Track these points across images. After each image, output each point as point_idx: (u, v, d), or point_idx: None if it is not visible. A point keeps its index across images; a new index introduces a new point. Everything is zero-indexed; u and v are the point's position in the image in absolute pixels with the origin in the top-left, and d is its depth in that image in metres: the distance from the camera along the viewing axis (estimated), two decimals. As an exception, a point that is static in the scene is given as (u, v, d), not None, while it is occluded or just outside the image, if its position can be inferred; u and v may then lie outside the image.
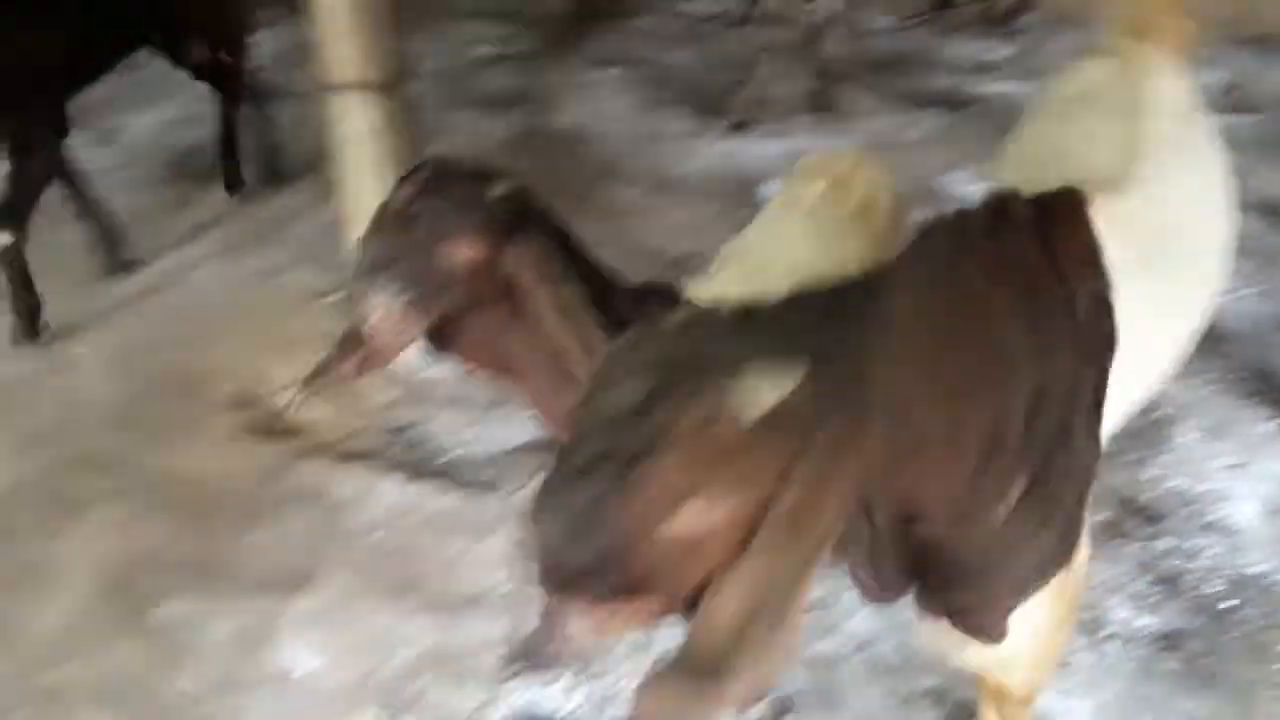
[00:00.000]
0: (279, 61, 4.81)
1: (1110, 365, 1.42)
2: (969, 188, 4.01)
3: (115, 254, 3.47)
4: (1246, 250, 3.57)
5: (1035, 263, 1.40)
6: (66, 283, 3.33)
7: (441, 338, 1.69)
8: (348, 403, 2.94)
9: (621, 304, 1.70)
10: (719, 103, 4.70)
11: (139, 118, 4.39)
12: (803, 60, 4.85)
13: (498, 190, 1.63)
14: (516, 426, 2.76)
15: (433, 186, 1.62)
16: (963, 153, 4.27)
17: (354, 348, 1.64)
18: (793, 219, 1.59)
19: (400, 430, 2.95)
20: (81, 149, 4.03)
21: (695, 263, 3.35)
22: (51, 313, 3.19)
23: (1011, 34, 5.53)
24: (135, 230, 3.59)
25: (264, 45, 5.03)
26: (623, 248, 3.51)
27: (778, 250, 1.50)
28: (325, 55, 2.51)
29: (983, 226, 1.43)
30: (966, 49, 5.35)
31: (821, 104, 4.64)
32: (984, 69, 5.13)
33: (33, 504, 2.65)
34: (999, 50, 5.33)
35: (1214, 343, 2.87)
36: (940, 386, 1.24)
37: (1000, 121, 4.39)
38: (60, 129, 3.30)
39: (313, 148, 3.46)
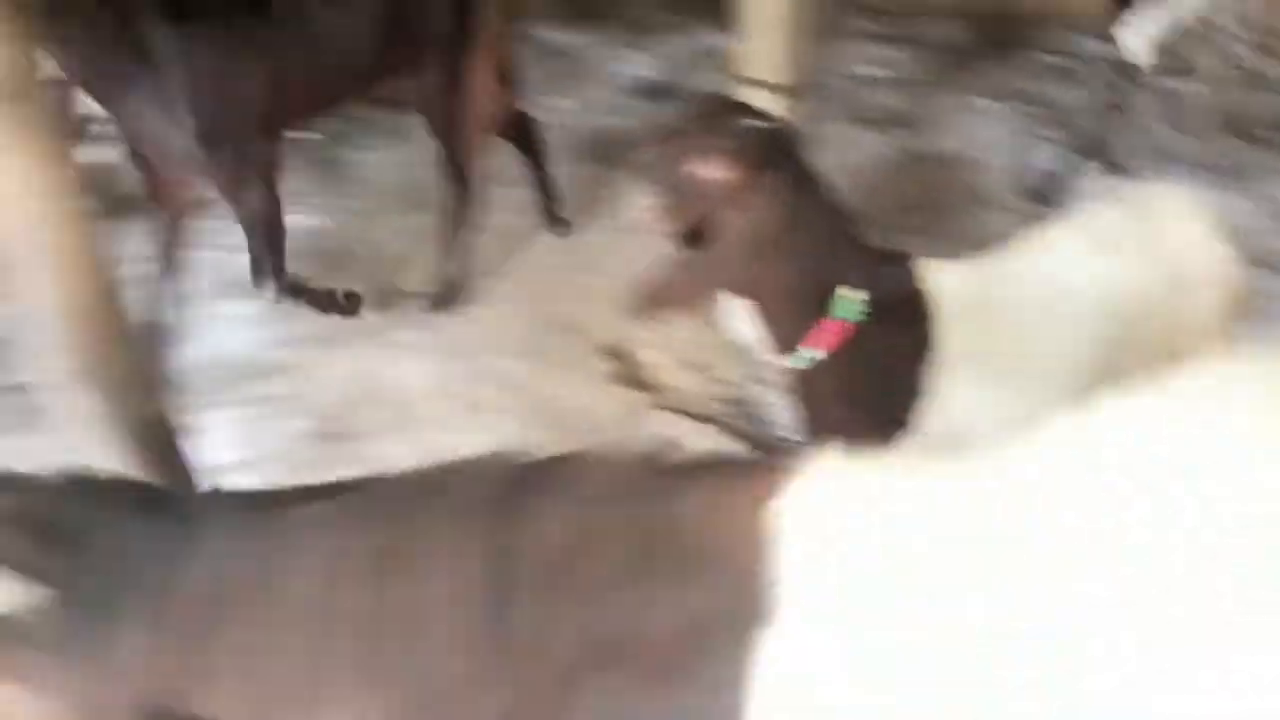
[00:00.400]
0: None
1: None
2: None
3: (553, 214, 4.03)
4: None
5: None
6: (503, 235, 3.93)
7: (691, 239, 1.94)
8: (702, 373, 3.32)
9: (850, 254, 1.91)
10: (1100, 143, 4.64)
11: (561, 102, 5.04)
12: (1207, 114, 4.68)
13: (760, 125, 1.88)
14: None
15: (708, 115, 1.91)
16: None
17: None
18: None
19: (743, 404, 3.28)
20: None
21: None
22: (485, 257, 3.77)
23: None
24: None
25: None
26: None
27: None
28: (746, 56, 2.86)
29: None
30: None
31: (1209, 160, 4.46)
32: None
33: (445, 403, 3.22)
34: None
35: None
36: None
37: None
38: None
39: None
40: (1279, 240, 3.90)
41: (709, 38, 5.52)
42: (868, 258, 1.93)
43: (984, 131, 4.77)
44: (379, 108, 4.76)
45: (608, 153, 4.53)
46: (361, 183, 4.30)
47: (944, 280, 1.93)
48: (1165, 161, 4.48)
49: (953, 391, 1.92)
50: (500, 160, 3.86)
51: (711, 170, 1.82)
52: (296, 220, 3.93)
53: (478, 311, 3.60)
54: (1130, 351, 1.96)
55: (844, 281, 1.88)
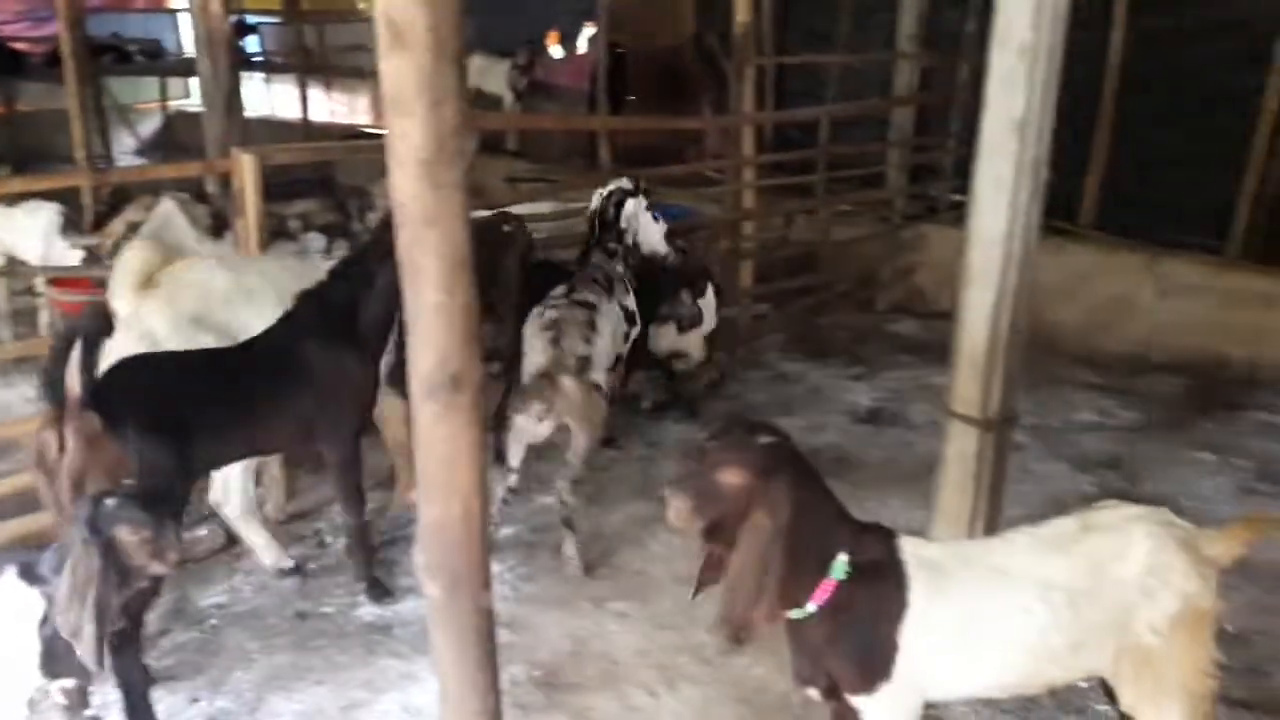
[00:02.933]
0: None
1: None
2: None
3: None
4: None
5: None
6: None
7: (711, 533, 2.37)
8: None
9: (842, 527, 2.36)
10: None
11: (792, 421, 5.64)
12: None
13: (765, 439, 2.31)
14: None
15: (724, 433, 2.36)
16: None
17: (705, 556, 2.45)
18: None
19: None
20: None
21: (1258, 641, 3.45)
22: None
23: None
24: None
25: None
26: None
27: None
28: (955, 390, 3.31)
29: None
30: None
31: None
32: None
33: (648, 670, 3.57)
34: None
35: None
36: None
37: None
38: None
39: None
40: None
41: (927, 373, 6.06)
42: (854, 529, 2.39)
43: (1197, 483, 4.86)
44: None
45: (829, 468, 5.01)
46: (604, 472, 4.95)
47: (918, 552, 2.39)
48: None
49: (918, 645, 2.33)
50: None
51: (730, 477, 2.27)
52: (548, 500, 4.64)
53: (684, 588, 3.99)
54: (1081, 632, 2.36)
55: (841, 550, 2.33)
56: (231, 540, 4.17)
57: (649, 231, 4.62)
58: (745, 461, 2.27)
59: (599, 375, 3.96)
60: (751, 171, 6.36)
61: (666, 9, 9.94)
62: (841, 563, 2.32)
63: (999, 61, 2.97)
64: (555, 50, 11.72)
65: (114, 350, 3.31)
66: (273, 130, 11.27)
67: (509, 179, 8.64)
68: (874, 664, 2.37)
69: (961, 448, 3.31)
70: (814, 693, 2.51)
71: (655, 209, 4.68)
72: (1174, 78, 7.07)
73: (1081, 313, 7.14)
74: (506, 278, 3.90)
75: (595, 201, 4.59)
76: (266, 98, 14.57)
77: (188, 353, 3.58)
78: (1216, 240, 7.01)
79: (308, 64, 12.70)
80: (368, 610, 3.82)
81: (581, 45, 11.17)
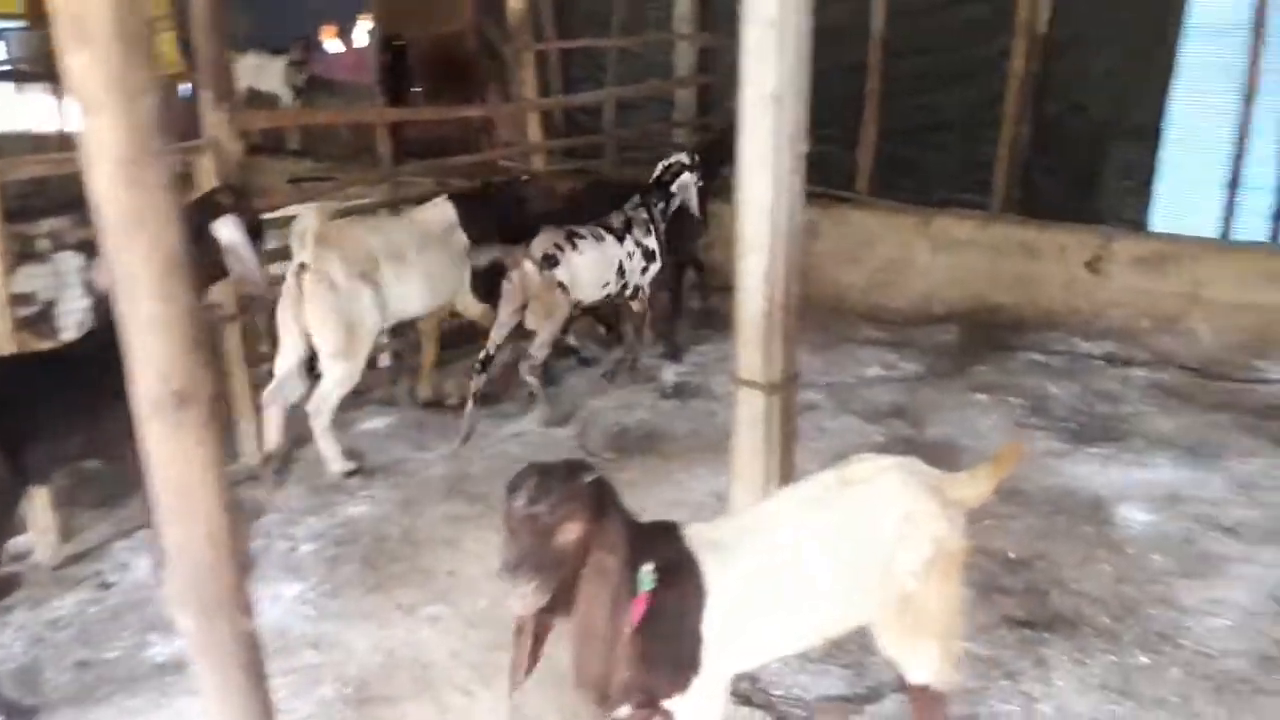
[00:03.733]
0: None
1: None
2: (1346, 536, 3.96)
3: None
4: None
5: None
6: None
7: (551, 603, 2.17)
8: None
9: (638, 537, 2.27)
10: (1087, 430, 5.04)
11: (596, 402, 5.67)
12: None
13: (588, 479, 2.17)
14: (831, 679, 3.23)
15: (541, 489, 2.12)
16: (1341, 501, 4.21)
17: (523, 638, 2.30)
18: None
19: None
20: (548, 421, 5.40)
21: (1039, 564, 3.70)
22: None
23: None
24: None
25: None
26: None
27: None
28: (739, 358, 3.39)
29: None
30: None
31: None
32: (1390, 424, 4.97)
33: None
34: None
35: None
36: None
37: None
38: None
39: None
40: (1237, 509, 4.17)
41: (727, 346, 6.21)
42: (648, 535, 2.33)
43: (976, 421, 5.20)
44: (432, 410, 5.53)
45: (640, 444, 5.09)
46: (410, 475, 4.83)
47: (702, 537, 2.38)
48: (1145, 440, 4.85)
49: (719, 628, 2.31)
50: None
51: (568, 534, 2.13)
52: (354, 510, 4.50)
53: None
54: (851, 583, 2.44)
55: (643, 560, 2.24)
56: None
57: (691, 197, 5.90)
58: (578, 511, 2.13)
59: (563, 276, 5.12)
60: (541, 157, 6.33)
61: (443, -3, 9.77)
62: (647, 573, 2.24)
63: (750, 36, 3.06)
64: (333, 44, 11.30)
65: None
66: (23, 144, 10.38)
67: (292, 180, 8.27)
68: (686, 662, 2.33)
69: (750, 412, 3.41)
70: (624, 711, 2.40)
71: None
72: (931, 46, 7.51)
73: (866, 274, 7.52)
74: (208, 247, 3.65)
75: (658, 168, 5.85)
76: (17, 108, 13.36)
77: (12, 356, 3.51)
78: (982, 197, 7.51)
79: (56, 71, 11.69)
80: (158, 650, 3.58)
81: (360, 38, 10.81)
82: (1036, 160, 7.32)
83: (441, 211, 5.33)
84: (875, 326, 6.91)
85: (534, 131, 6.21)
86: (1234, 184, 6.56)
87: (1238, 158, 6.52)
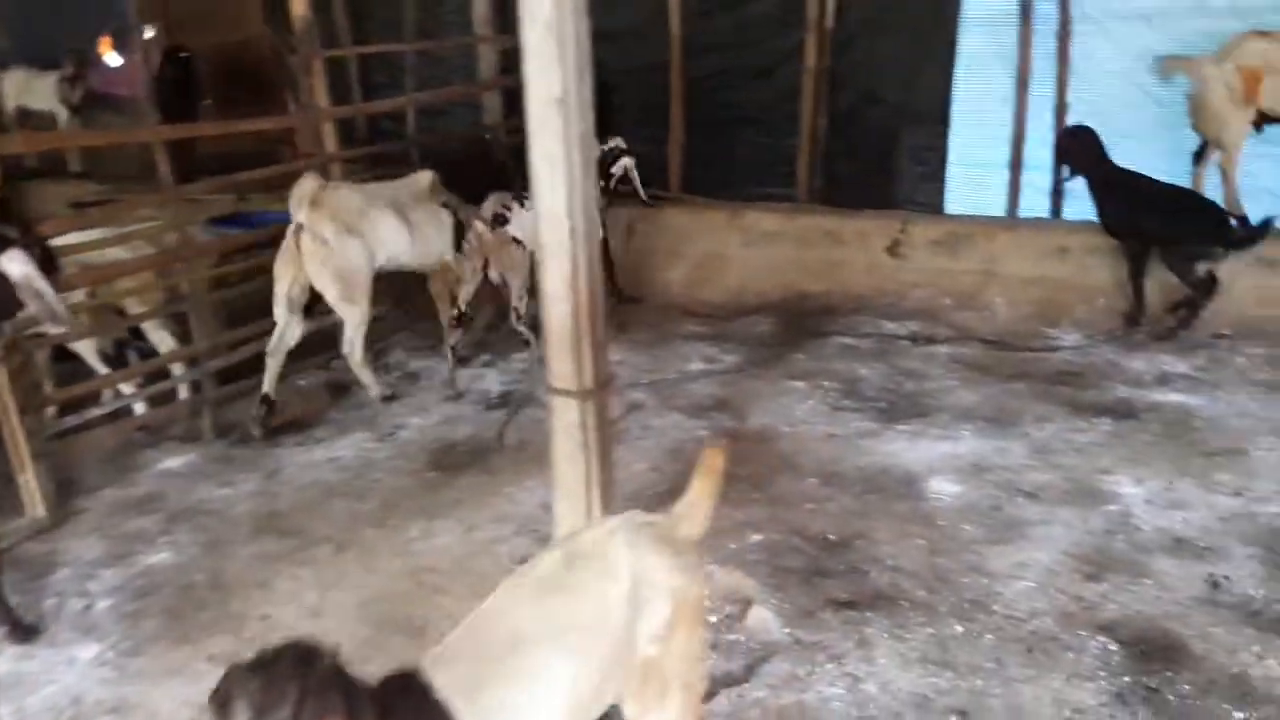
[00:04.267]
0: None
1: None
2: (1127, 489, 4.25)
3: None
4: None
5: None
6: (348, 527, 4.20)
7: None
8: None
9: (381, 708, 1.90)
10: (896, 408, 5.24)
11: (417, 420, 5.49)
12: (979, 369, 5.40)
13: (326, 664, 1.77)
14: None
15: (269, 698, 1.68)
16: (1126, 457, 4.53)
17: None
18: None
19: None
20: (366, 443, 5.19)
21: (857, 543, 3.80)
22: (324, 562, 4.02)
23: (1198, 347, 5.79)
24: (397, 505, 4.48)
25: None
26: (790, 529, 4.04)
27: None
28: (550, 365, 3.32)
29: None
30: (1150, 363, 5.64)
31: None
32: (1163, 381, 5.39)
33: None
34: (1181, 364, 5.59)
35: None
36: None
37: (1170, 430, 4.70)
38: None
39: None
40: (1035, 473, 4.42)
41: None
42: (381, 695, 1.94)
43: (794, 408, 5.32)
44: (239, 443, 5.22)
45: (467, 460, 4.94)
46: (215, 514, 4.53)
47: (441, 665, 2.07)
48: (950, 414, 5.08)
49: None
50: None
51: None
52: (155, 559, 4.18)
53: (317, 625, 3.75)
54: (599, 668, 2.22)
55: None
56: None
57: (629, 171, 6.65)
58: (327, 713, 1.72)
59: (515, 232, 5.79)
60: (339, 169, 6.07)
61: (229, 4, 9.25)
62: None
63: (529, 40, 2.98)
64: (111, 58, 10.53)
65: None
66: None
67: (73, 204, 7.66)
68: None
69: (565, 420, 3.34)
70: None
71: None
72: (728, 43, 7.66)
73: (685, 270, 7.61)
74: None
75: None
76: None
77: None
78: (789, 189, 7.71)
79: None
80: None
81: (141, 49, 10.12)
82: (836, 150, 7.58)
83: (424, 176, 5.99)
84: (697, 321, 6.99)
85: (330, 142, 5.95)
86: (1016, 165, 6.98)
87: (1018, 140, 6.95)
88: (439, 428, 5.36)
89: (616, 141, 6.60)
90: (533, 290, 5.47)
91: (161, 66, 9.04)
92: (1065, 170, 6.28)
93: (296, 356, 5.74)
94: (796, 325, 6.70)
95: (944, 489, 4.35)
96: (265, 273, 5.96)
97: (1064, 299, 6.50)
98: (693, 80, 7.81)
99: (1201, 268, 5.74)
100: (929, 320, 6.56)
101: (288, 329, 5.45)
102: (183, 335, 5.53)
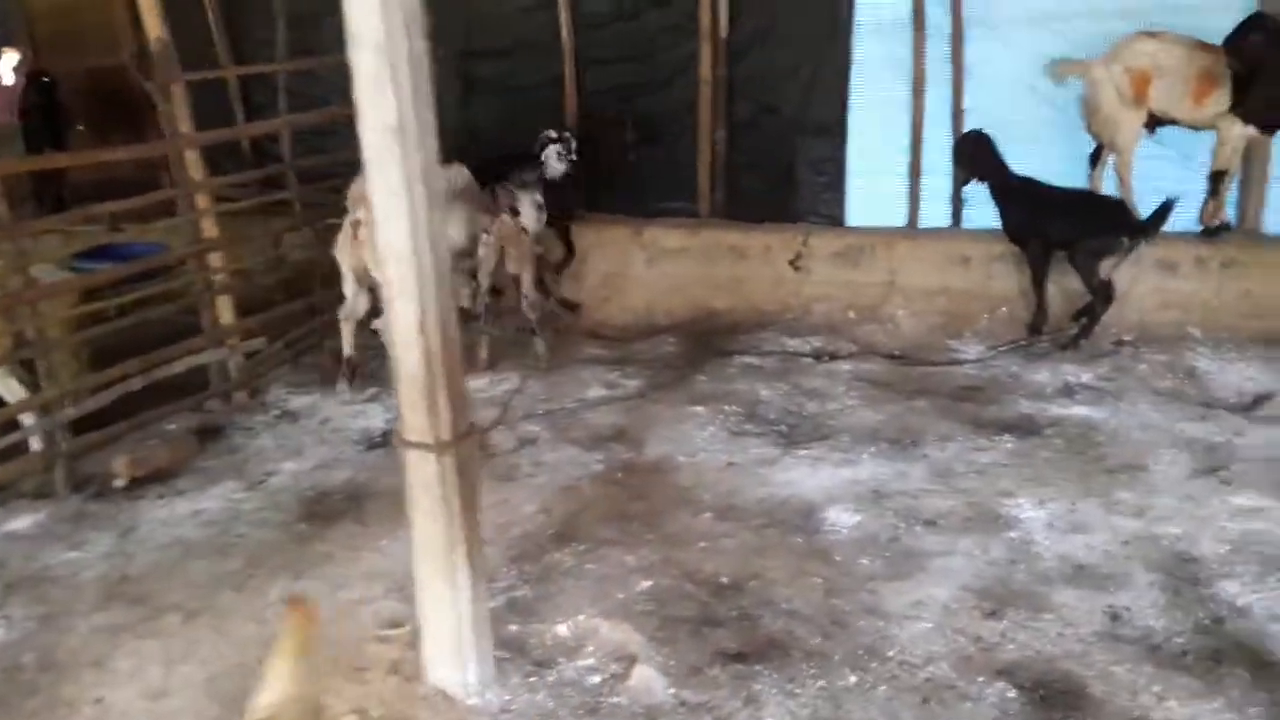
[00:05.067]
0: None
1: None
2: (1029, 513, 4.10)
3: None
4: None
5: None
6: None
7: None
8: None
9: None
10: (797, 431, 5.06)
11: (291, 465, 5.13)
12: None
13: None
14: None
15: None
16: (1028, 478, 4.39)
17: None
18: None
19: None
20: (234, 493, 4.83)
21: (751, 585, 3.59)
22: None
23: (1100, 355, 5.72)
24: (261, 563, 4.14)
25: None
26: (682, 573, 3.81)
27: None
28: (402, 416, 3.04)
29: None
30: (1053, 374, 5.54)
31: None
32: (1066, 393, 5.29)
33: None
34: (1085, 373, 5.51)
35: None
36: None
37: (1073, 446, 4.59)
38: None
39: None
40: (936, 499, 4.26)
41: None
42: None
43: (693, 436, 5.09)
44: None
45: (342, 508, 4.61)
46: (59, 582, 4.13)
47: None
48: (851, 436, 4.90)
49: None
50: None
51: None
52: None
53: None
54: None
55: None
56: None
57: (553, 165, 6.77)
58: None
59: (526, 223, 6.15)
60: (204, 197, 5.69)
61: (98, 26, 8.75)
62: None
63: (360, 64, 2.71)
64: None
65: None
66: None
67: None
68: None
69: (422, 476, 3.05)
70: None
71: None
72: (623, 55, 7.44)
73: (587, 290, 7.36)
74: None
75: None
76: None
77: None
78: (691, 204, 7.51)
79: None
80: None
81: (5, 76, 9.53)
82: (736, 163, 7.40)
83: (458, 171, 6.11)
84: (599, 344, 6.74)
85: (194, 170, 5.56)
86: (915, 173, 6.88)
87: (915, 148, 6.85)
88: (314, 473, 5.00)
89: (549, 132, 6.76)
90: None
91: (25, 92, 8.50)
92: (963, 175, 6.18)
93: (165, 399, 5.36)
94: (701, 345, 6.50)
95: (842, 519, 4.15)
96: (144, 307, 5.62)
97: (967, 309, 6.41)
98: (589, 94, 7.57)
99: (1108, 265, 5.64)
100: (832, 335, 6.42)
101: (356, 300, 5.88)
102: (36, 382, 5.11)
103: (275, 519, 4.55)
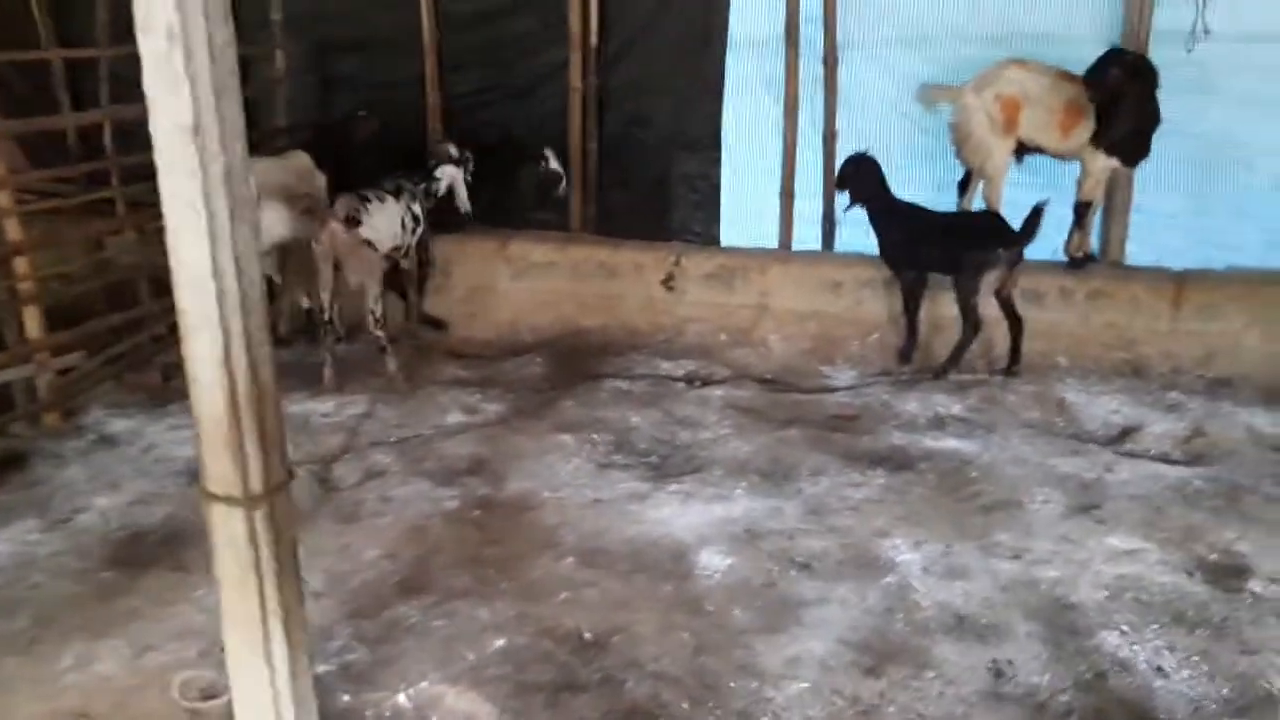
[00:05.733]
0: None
1: None
2: (905, 555, 3.92)
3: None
4: (1190, 621, 3.41)
5: None
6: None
7: None
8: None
9: None
10: (669, 463, 4.78)
11: (104, 500, 4.54)
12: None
13: None
14: None
15: None
16: (903, 516, 4.22)
17: None
18: None
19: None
20: (31, 533, 4.22)
21: (616, 642, 3.27)
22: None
23: (970, 385, 5.64)
24: (54, 621, 3.58)
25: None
26: (541, 629, 3.45)
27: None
28: (203, 464, 2.59)
29: None
30: (923, 403, 5.43)
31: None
32: (937, 424, 5.18)
33: None
34: (955, 404, 5.41)
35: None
36: None
37: (946, 482, 4.45)
38: None
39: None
40: (811, 538, 4.04)
41: (297, 398, 5.38)
42: None
43: (558, 468, 4.75)
44: None
45: (154, 553, 4.07)
46: None
47: None
48: (723, 468, 4.65)
49: None
50: None
51: None
52: None
53: None
54: None
55: None
56: None
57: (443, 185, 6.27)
58: None
59: (370, 235, 5.56)
60: (6, 195, 5.03)
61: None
62: None
63: (148, 51, 2.26)
64: None
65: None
66: None
67: None
68: None
69: (230, 534, 2.61)
70: None
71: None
72: (491, 59, 7.06)
73: (449, 306, 6.92)
74: None
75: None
76: None
77: None
78: (560, 217, 7.15)
79: None
80: None
81: None
82: (608, 177, 7.10)
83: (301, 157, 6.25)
84: (461, 364, 6.32)
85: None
86: (788, 194, 6.71)
87: (788, 169, 6.68)
88: (130, 509, 4.43)
89: (447, 147, 6.34)
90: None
91: None
92: (845, 199, 6.01)
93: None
94: (569, 366, 6.17)
95: (714, 563, 3.88)
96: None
97: (838, 334, 6.27)
98: (452, 98, 7.15)
99: (990, 280, 5.53)
100: (705, 358, 6.18)
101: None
102: None
103: (76, 566, 3.98)
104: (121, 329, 5.84)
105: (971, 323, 5.61)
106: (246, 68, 7.40)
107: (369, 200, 5.63)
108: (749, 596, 3.66)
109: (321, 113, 7.31)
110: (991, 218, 5.74)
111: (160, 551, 4.08)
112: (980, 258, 5.47)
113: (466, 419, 5.44)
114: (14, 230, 5.11)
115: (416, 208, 6.03)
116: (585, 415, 5.37)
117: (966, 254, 5.52)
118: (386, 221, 5.74)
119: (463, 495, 4.51)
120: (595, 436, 5.10)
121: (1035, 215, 5.38)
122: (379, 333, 5.75)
